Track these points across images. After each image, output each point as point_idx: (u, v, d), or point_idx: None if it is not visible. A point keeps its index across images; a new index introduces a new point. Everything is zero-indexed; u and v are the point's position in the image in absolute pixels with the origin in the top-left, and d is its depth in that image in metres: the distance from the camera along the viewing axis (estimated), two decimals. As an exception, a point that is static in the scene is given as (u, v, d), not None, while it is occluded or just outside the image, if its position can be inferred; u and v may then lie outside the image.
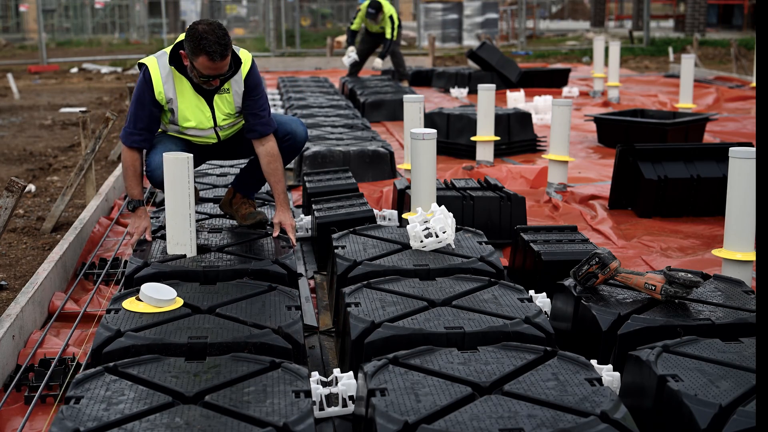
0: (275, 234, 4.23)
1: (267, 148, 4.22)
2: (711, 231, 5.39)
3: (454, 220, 4.09)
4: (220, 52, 3.86)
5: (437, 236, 3.98)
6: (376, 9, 11.81)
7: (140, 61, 4.10)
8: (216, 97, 4.11)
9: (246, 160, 4.60)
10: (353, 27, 12.27)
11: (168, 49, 4.06)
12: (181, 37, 3.97)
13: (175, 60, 4.03)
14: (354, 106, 10.10)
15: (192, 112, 4.12)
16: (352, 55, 12.17)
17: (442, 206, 4.10)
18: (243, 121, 4.25)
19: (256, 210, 4.48)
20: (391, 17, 11.92)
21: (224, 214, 4.59)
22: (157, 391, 2.58)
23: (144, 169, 4.26)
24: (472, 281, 3.58)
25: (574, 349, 3.29)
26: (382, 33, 12.11)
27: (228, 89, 4.11)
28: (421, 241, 3.99)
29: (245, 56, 4.12)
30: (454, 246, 4.02)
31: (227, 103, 4.15)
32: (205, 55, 3.85)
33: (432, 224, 4.00)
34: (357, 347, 3.06)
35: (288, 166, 7.22)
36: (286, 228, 4.24)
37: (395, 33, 12.02)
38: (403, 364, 2.75)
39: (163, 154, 3.91)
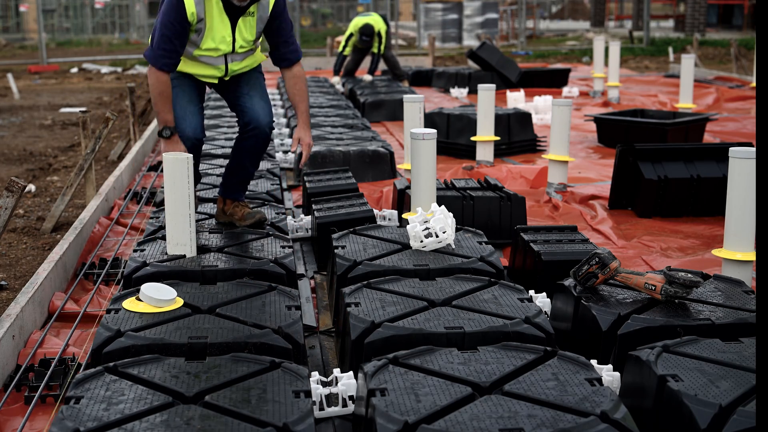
0: (293, 148, 4.32)
1: (295, 72, 4.29)
2: (711, 231, 5.39)
3: (453, 220, 4.10)
4: None
5: (437, 236, 3.98)
6: (369, 36, 11.71)
7: None
8: (240, 20, 4.05)
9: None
10: (345, 53, 12.13)
11: None
12: None
13: None
14: (354, 106, 10.10)
15: (217, 33, 4.04)
16: (339, 87, 11.96)
17: (442, 206, 4.10)
18: (253, 60, 4.26)
19: (253, 209, 4.46)
20: (378, 33, 11.80)
21: (223, 224, 4.49)
22: (157, 391, 2.58)
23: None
24: (472, 281, 3.58)
25: (574, 349, 3.29)
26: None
27: (253, 13, 4.06)
28: (421, 241, 3.99)
29: None
30: (454, 246, 4.02)
31: (250, 27, 4.09)
32: None
33: (432, 224, 3.99)
34: (357, 347, 3.06)
35: (288, 166, 7.24)
36: (303, 145, 4.30)
37: (382, 46, 11.94)
38: (403, 364, 2.75)
39: (164, 154, 3.92)
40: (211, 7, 3.99)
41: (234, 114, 4.70)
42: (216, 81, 4.28)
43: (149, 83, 4.08)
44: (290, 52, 4.26)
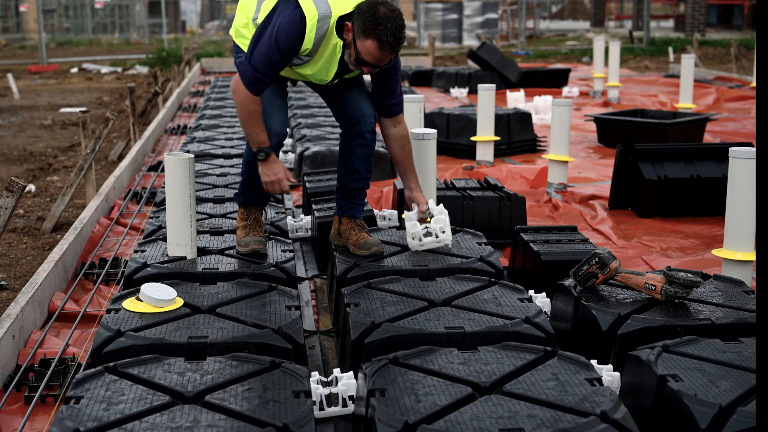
0: (418, 213, 4.01)
1: (401, 130, 3.95)
2: (711, 231, 5.39)
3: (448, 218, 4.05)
4: (392, 44, 3.49)
5: (437, 236, 3.97)
6: None
7: (301, 4, 3.53)
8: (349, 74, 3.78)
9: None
10: None
11: (336, 8, 3.55)
12: (355, 3, 3.55)
13: (338, 28, 3.59)
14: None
15: (316, 70, 3.72)
16: None
17: (440, 205, 4.09)
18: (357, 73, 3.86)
19: (372, 239, 3.97)
20: None
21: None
22: (157, 391, 2.58)
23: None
24: (472, 281, 3.58)
25: (574, 349, 3.29)
26: None
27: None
28: (420, 240, 3.98)
29: None
30: (451, 246, 4.01)
31: (357, 72, 3.79)
32: (377, 42, 3.47)
33: (432, 225, 3.99)
34: (357, 347, 3.06)
35: (288, 166, 7.24)
36: (421, 204, 4.00)
37: None
38: (403, 364, 2.75)
39: (164, 154, 3.91)
40: (325, 48, 3.65)
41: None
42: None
43: (237, 100, 3.68)
44: (394, 105, 3.92)
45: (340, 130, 4.02)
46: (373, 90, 3.91)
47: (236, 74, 3.69)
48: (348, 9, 3.56)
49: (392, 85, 3.88)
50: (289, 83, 3.99)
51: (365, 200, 4.19)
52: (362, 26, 3.48)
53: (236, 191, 4.08)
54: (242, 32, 3.85)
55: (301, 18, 3.51)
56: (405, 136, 3.98)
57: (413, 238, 3.98)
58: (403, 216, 4.10)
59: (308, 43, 3.56)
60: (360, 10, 3.51)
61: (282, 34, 3.53)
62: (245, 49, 3.79)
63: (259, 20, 3.69)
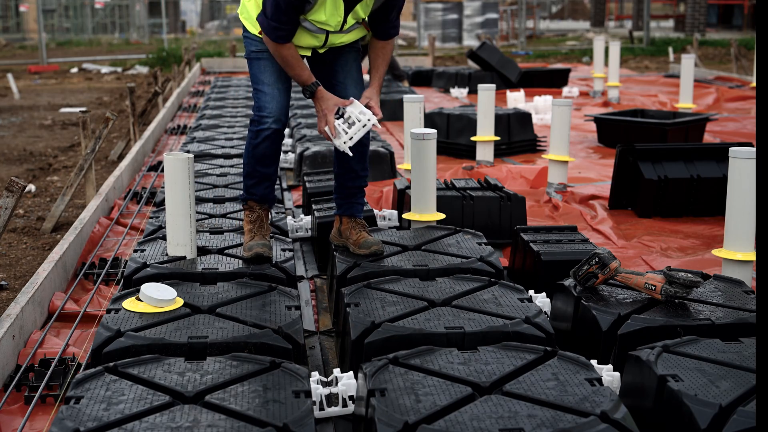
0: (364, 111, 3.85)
1: (387, 42, 3.94)
2: (711, 231, 5.39)
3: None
4: None
5: (359, 120, 3.78)
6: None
7: None
8: (358, 4, 3.71)
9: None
10: None
11: None
12: None
13: None
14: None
15: (329, 9, 3.68)
16: None
17: (351, 98, 3.89)
18: (356, 35, 3.89)
19: (372, 238, 3.98)
20: None
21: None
22: (157, 391, 2.58)
23: (256, 114, 3.84)
24: (472, 281, 3.58)
25: (574, 349, 3.29)
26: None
27: None
28: (346, 133, 3.79)
29: None
30: (379, 125, 3.87)
31: (365, 7, 3.73)
32: None
33: (350, 111, 3.80)
34: (357, 347, 3.06)
35: (288, 166, 7.24)
36: (374, 109, 3.86)
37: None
38: (403, 364, 2.75)
39: (164, 154, 3.91)
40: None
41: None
42: (310, 53, 3.89)
43: (270, 51, 3.79)
44: (391, 28, 3.89)
45: None
46: (372, 19, 3.86)
47: (265, 39, 3.74)
48: None
49: (394, 16, 3.87)
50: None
51: (365, 199, 4.19)
52: None
53: (240, 194, 4.05)
54: (248, 8, 3.87)
55: None
56: (389, 44, 3.96)
57: (339, 138, 3.81)
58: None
59: None
60: None
61: None
62: (251, 31, 3.86)
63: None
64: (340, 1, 3.66)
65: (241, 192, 4.08)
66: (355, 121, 3.78)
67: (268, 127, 3.82)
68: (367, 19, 3.81)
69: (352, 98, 3.83)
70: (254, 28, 3.85)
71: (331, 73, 3.95)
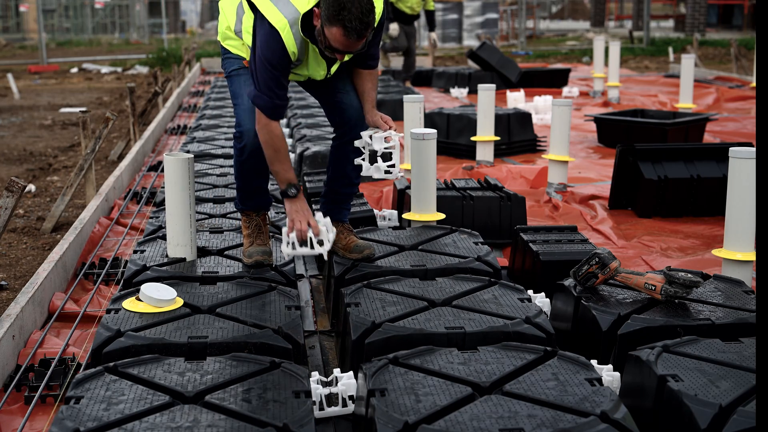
0: (385, 132, 3.74)
1: (374, 72, 3.86)
2: (711, 231, 5.39)
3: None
4: (358, 30, 3.34)
5: (318, 244, 3.60)
6: None
7: (268, 18, 3.44)
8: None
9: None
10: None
11: (300, 5, 3.45)
12: None
13: (306, 21, 3.48)
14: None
15: (310, 69, 3.67)
16: (392, 33, 11.67)
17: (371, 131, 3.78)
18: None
19: (362, 242, 3.92)
20: None
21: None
22: (157, 391, 2.58)
23: (237, 130, 3.69)
24: (472, 281, 3.58)
25: (574, 349, 3.29)
26: (415, 15, 11.76)
27: None
28: (386, 171, 3.74)
29: (378, 5, 3.52)
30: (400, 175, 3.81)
31: (347, 57, 3.65)
32: (342, 29, 3.33)
33: (378, 144, 3.70)
34: (357, 347, 3.06)
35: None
36: (388, 122, 3.76)
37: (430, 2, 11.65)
38: (403, 364, 2.75)
39: (164, 154, 3.90)
40: (307, 49, 3.61)
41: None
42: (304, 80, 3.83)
43: (262, 139, 3.59)
44: (370, 59, 3.81)
45: (334, 134, 3.97)
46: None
47: (257, 118, 3.61)
48: (313, 1, 3.48)
49: (371, 49, 3.77)
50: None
51: (351, 204, 4.15)
52: (327, 13, 3.35)
53: (235, 199, 4.01)
54: (228, 34, 3.82)
55: (273, 30, 3.45)
56: (376, 74, 3.87)
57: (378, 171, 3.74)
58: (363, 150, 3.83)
59: (293, 48, 3.50)
60: None
61: (268, 53, 3.48)
62: (232, 51, 3.80)
63: (244, 36, 3.67)
64: (322, 62, 3.65)
65: (235, 199, 4.01)
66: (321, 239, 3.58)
67: (249, 143, 3.70)
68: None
69: (318, 214, 3.71)
70: (235, 48, 3.78)
71: (333, 95, 3.86)
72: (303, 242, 3.56)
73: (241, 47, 3.77)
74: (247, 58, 3.74)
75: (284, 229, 3.62)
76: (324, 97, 3.91)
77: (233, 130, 3.91)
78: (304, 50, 3.57)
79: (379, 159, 3.70)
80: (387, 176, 3.76)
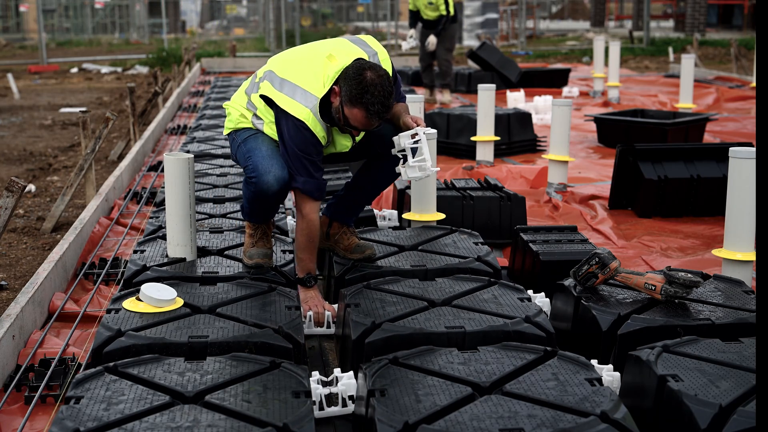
0: (413, 131, 3.68)
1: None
2: (711, 231, 5.39)
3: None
4: (380, 113, 3.43)
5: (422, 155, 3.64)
6: None
7: (290, 112, 3.50)
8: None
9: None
10: (410, 7, 11.32)
11: (316, 90, 3.51)
12: (335, 70, 3.50)
13: (323, 102, 3.54)
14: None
15: (337, 145, 3.73)
16: (410, 40, 11.38)
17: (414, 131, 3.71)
18: None
19: (362, 242, 3.95)
20: None
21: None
22: (157, 391, 2.58)
23: (252, 175, 3.62)
24: (472, 281, 3.58)
25: (574, 349, 3.29)
26: (437, 20, 11.13)
27: None
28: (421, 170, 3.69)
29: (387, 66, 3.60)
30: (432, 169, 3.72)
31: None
32: (364, 111, 3.42)
33: (420, 144, 3.65)
34: (357, 347, 3.06)
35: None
36: (419, 121, 3.71)
37: (451, 9, 10.98)
38: (403, 364, 2.75)
39: (164, 154, 3.90)
40: (332, 129, 3.67)
41: None
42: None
43: (302, 226, 3.65)
44: (400, 98, 3.85)
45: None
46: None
47: (301, 205, 3.64)
48: (327, 84, 3.51)
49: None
50: None
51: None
52: (349, 94, 3.42)
53: (241, 204, 3.96)
54: (241, 120, 3.79)
55: (299, 122, 3.51)
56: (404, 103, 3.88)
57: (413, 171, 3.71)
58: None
59: (321, 133, 3.57)
60: (347, 76, 3.45)
61: (300, 144, 3.54)
62: (249, 126, 3.77)
63: (266, 128, 3.68)
64: (348, 137, 3.69)
65: (241, 205, 3.93)
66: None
67: (265, 188, 3.59)
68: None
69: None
70: (246, 119, 3.76)
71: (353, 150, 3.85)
72: (318, 323, 3.75)
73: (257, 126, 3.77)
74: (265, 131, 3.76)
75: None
76: (359, 148, 3.86)
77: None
78: (330, 131, 3.64)
79: (409, 157, 3.69)
80: (422, 174, 3.68)
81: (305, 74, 3.57)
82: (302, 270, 3.77)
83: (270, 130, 3.71)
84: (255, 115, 3.74)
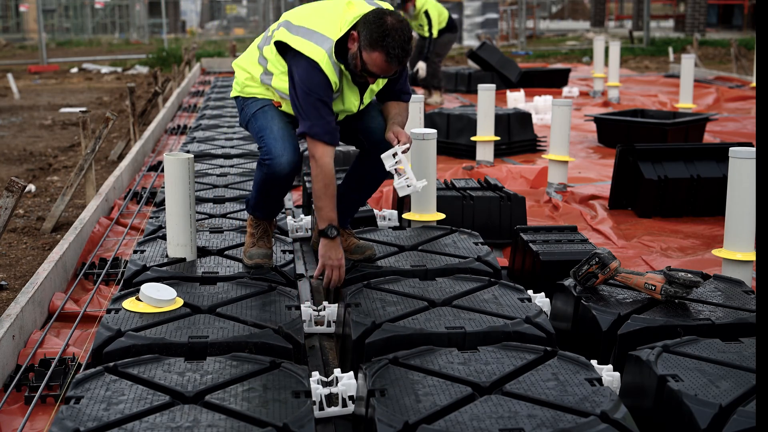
0: (395, 144, 3.70)
1: (402, 105, 3.87)
2: (711, 231, 5.39)
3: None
4: (400, 57, 3.41)
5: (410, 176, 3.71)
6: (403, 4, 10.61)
7: (302, 51, 3.47)
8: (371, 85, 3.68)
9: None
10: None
11: (332, 34, 3.49)
12: (353, 15, 3.49)
13: (339, 47, 3.51)
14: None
15: (347, 99, 3.68)
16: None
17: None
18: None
19: (362, 243, 3.93)
20: (426, 13, 10.68)
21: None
22: (157, 391, 2.58)
23: (266, 158, 3.60)
24: (472, 281, 3.58)
25: (574, 349, 3.29)
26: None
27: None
28: (409, 185, 3.73)
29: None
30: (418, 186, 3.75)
31: (379, 83, 3.72)
32: (384, 54, 3.39)
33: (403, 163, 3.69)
34: (358, 347, 3.06)
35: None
36: (400, 136, 3.71)
37: (434, 30, 10.75)
38: (403, 364, 2.75)
39: (164, 154, 3.90)
40: (345, 78, 3.62)
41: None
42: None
43: (316, 172, 3.55)
44: (403, 93, 3.85)
45: (360, 150, 3.98)
46: (383, 92, 3.84)
47: (313, 151, 3.58)
48: (344, 27, 3.50)
49: (402, 82, 3.83)
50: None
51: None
52: (369, 38, 3.40)
53: (246, 198, 3.94)
54: (247, 84, 3.79)
55: (312, 63, 3.47)
56: (406, 107, 3.88)
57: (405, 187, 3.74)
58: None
59: (333, 77, 3.52)
60: (367, 20, 3.44)
61: (312, 85, 3.49)
62: (257, 97, 3.77)
63: (275, 80, 3.66)
64: (355, 89, 3.66)
65: (246, 199, 3.94)
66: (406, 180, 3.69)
67: (279, 170, 3.60)
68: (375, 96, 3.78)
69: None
70: (260, 94, 3.75)
71: (356, 114, 3.85)
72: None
73: (266, 92, 3.76)
74: (274, 99, 3.74)
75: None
76: (352, 125, 3.87)
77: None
78: (342, 78, 3.59)
79: (395, 176, 3.72)
80: (411, 190, 3.72)
81: (322, 20, 3.55)
82: (323, 220, 3.61)
83: (279, 82, 3.66)
84: (265, 70, 3.70)
